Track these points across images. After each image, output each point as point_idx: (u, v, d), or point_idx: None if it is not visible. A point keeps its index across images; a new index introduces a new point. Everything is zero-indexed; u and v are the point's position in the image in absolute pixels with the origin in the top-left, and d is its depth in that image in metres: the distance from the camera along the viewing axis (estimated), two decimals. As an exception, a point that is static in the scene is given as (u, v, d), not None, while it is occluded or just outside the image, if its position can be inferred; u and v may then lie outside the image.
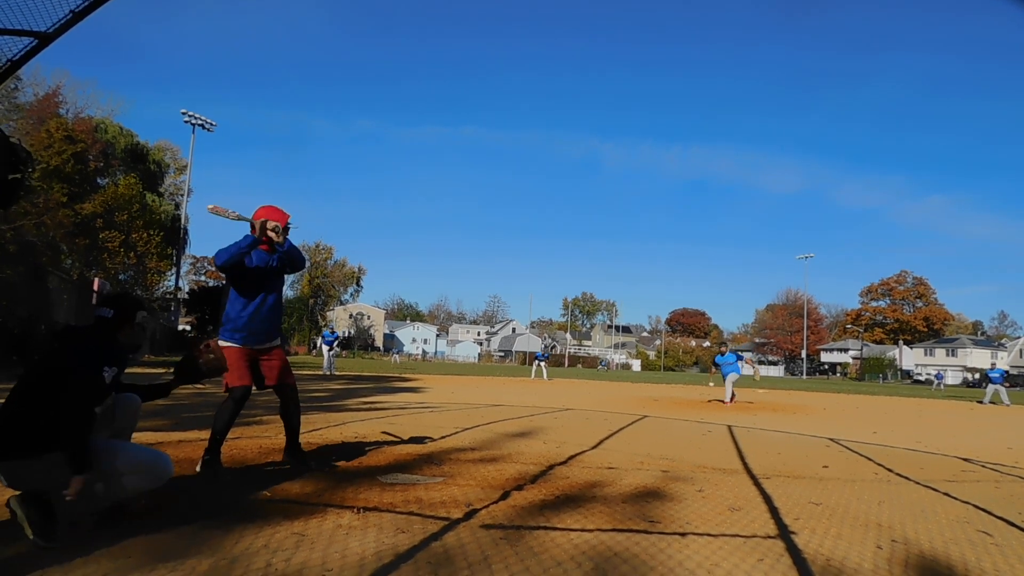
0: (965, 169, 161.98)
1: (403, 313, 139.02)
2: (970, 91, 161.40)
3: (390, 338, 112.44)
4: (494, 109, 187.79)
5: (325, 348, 24.79)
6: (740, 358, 17.00)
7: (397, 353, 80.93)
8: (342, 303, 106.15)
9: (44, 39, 5.16)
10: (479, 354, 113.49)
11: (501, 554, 2.99)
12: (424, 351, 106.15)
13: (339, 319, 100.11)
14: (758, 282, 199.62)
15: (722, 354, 17.28)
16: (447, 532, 3.32)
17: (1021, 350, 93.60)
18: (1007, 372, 29.14)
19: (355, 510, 3.70)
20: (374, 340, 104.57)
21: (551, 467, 5.48)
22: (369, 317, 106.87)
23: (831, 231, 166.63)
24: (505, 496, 4.24)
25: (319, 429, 7.19)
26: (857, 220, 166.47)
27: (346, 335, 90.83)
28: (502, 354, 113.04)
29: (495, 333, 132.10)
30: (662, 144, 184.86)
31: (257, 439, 6.25)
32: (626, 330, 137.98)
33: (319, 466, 4.99)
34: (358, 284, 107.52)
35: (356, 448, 6.01)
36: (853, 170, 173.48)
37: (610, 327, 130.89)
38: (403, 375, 26.79)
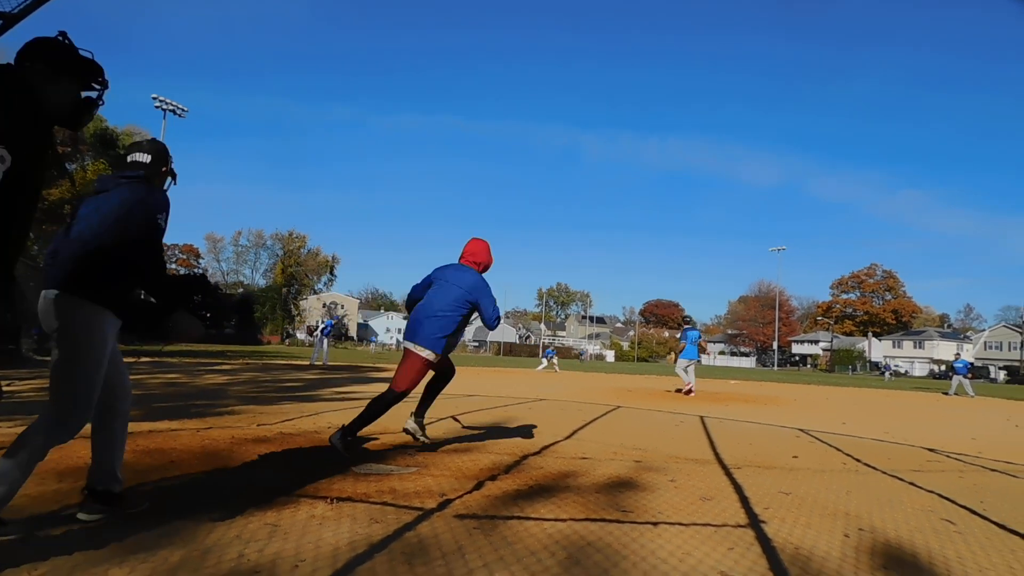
0: (937, 164, 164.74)
1: (377, 303, 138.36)
2: (946, 86, 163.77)
3: (364, 328, 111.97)
4: (472, 98, 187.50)
5: (324, 338, 23.39)
6: (699, 338, 17.05)
7: (374, 342, 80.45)
8: (315, 292, 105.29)
9: (8, 19, 5.02)
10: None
11: (475, 544, 3.00)
12: (398, 341, 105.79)
13: (312, 308, 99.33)
14: (731, 274, 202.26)
15: (686, 327, 17.37)
16: (421, 522, 3.33)
17: (985, 342, 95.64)
18: (971, 364, 29.73)
19: (328, 500, 3.69)
20: (348, 330, 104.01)
21: (525, 457, 5.50)
22: (343, 307, 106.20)
23: (805, 224, 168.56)
24: (479, 486, 4.25)
25: (292, 419, 7.14)
26: (830, 213, 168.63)
27: (340, 322, 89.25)
28: (476, 344, 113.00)
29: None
30: (641, 135, 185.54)
31: (228, 429, 6.20)
32: (600, 321, 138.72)
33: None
34: (332, 273, 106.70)
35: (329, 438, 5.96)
36: (829, 164, 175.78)
37: (584, 318, 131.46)
38: (378, 364, 26.70)
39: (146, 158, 3.31)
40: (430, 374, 5.56)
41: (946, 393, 26.38)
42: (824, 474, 5.58)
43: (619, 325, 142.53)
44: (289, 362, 23.79)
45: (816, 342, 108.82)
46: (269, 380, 14.32)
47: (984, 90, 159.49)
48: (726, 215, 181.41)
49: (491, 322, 5.41)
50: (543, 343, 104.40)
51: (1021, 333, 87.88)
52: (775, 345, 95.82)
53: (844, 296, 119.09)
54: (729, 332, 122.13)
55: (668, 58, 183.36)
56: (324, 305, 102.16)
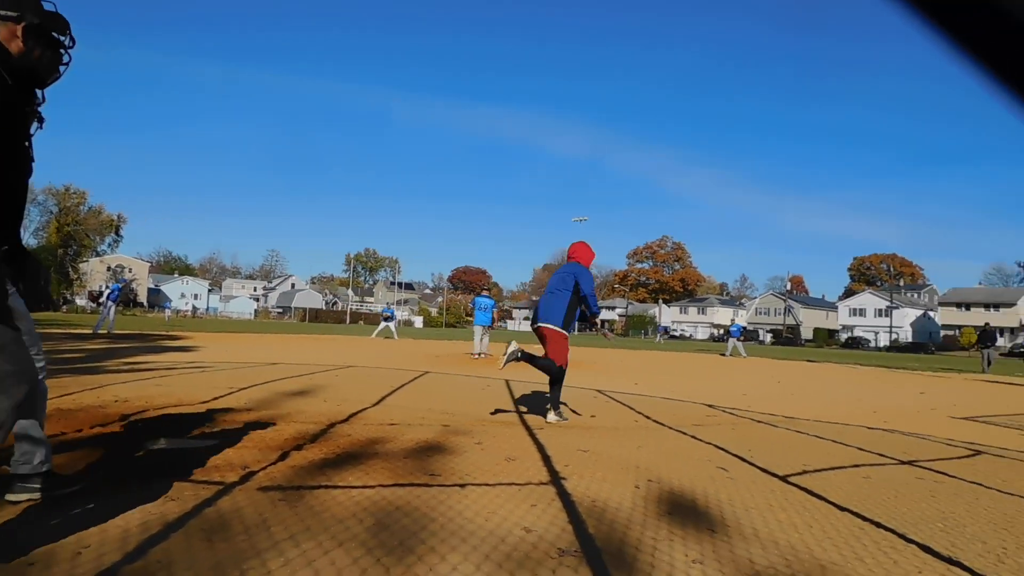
0: (726, 146, 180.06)
1: (171, 266, 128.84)
2: (743, 68, 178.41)
3: (156, 293, 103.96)
4: (279, 53, 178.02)
5: (111, 303, 21.38)
6: (494, 307, 17.74)
7: (168, 309, 74.75)
8: (98, 254, 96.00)
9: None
10: (255, 310, 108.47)
11: (280, 515, 2.92)
12: (195, 307, 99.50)
13: (95, 272, 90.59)
14: (537, 242, 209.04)
15: (483, 295, 17.91)
16: (221, 497, 3.17)
17: (757, 309, 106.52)
18: (744, 328, 33.01)
19: (115, 480, 3.41)
20: (136, 295, 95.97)
21: (332, 425, 5.41)
22: (131, 270, 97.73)
23: (606, 195, 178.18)
24: (284, 457, 4.12)
25: (72, 393, 6.48)
26: (630, 186, 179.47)
27: (128, 287, 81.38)
28: (280, 310, 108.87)
29: (273, 288, 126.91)
30: (453, 103, 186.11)
31: None
32: (409, 287, 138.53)
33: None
34: (117, 234, 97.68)
35: (116, 413, 5.51)
36: (632, 139, 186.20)
37: (393, 284, 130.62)
38: (172, 333, 24.95)
39: None
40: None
41: (723, 355, 29.16)
42: (618, 431, 5.99)
43: (428, 291, 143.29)
44: (68, 331, 21.59)
45: (613, 308, 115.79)
46: (44, 351, 12.90)
47: (763, 87, 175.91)
48: (533, 184, 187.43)
49: (592, 303, 6.65)
50: (350, 309, 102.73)
51: (784, 300, 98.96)
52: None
53: (639, 265, 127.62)
54: (534, 299, 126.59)
55: (480, 26, 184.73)
56: (109, 268, 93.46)
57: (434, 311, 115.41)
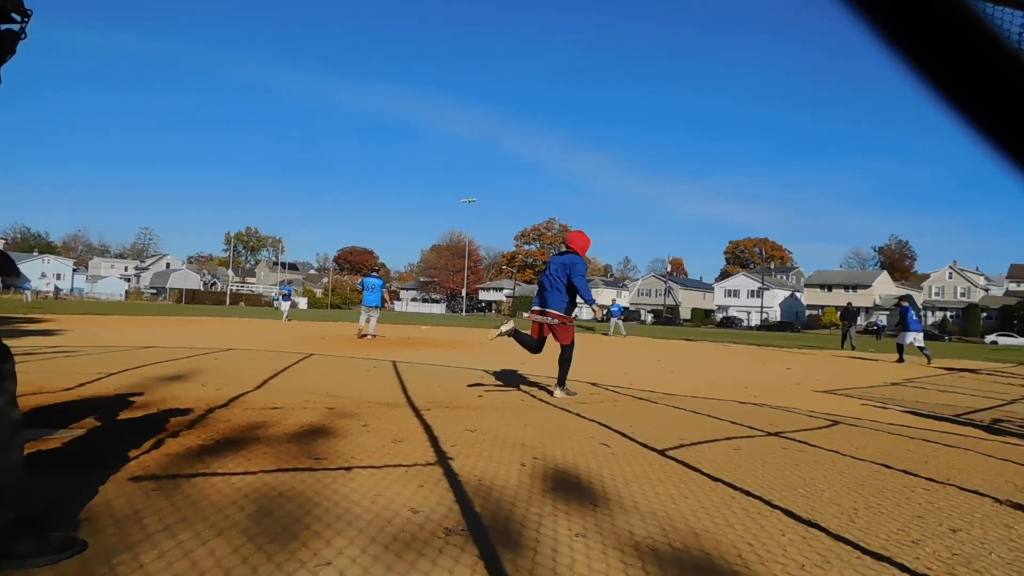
0: (613, 131, 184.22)
1: (30, 244, 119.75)
2: (628, 58, 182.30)
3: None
4: (156, 19, 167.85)
5: None
6: (384, 286, 17.72)
7: (28, 289, 69.41)
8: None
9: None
10: (127, 291, 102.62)
11: (154, 506, 2.79)
12: (57, 288, 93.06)
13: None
14: (425, 223, 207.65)
15: (372, 276, 17.83)
16: (88, 489, 3.01)
17: (639, 290, 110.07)
18: (625, 308, 34.14)
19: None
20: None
21: (211, 410, 5.21)
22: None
23: (495, 177, 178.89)
24: (158, 445, 3.94)
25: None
26: (519, 169, 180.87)
27: None
28: (154, 291, 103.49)
29: (146, 268, 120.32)
30: (341, 79, 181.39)
31: None
32: (292, 267, 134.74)
33: None
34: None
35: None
36: (521, 122, 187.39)
37: (276, 264, 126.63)
38: (32, 315, 23.24)
39: None
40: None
41: (606, 334, 30.04)
42: (505, 411, 6.07)
43: (312, 272, 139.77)
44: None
45: (501, 289, 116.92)
46: None
47: (644, 78, 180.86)
48: (422, 165, 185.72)
49: (585, 293, 7.20)
50: (231, 290, 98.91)
51: (665, 282, 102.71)
52: (464, 292, 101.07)
53: (526, 247, 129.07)
54: (421, 280, 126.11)
55: (376, 17, 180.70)
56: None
57: (319, 292, 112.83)
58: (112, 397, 5.67)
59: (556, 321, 7.26)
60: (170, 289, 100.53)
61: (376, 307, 17.44)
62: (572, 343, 7.38)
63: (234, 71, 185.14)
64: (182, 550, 2.34)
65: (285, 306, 30.60)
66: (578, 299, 7.37)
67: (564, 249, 7.58)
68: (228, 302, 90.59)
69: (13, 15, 2.32)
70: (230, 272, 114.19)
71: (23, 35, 2.38)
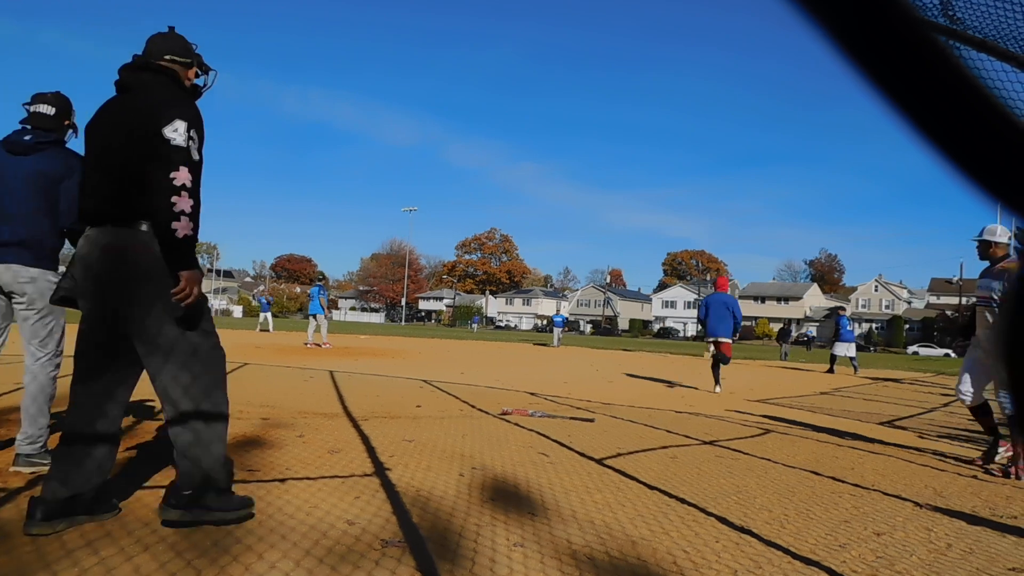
0: (552, 141, 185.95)
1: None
2: (574, 68, 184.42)
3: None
4: (78, 18, 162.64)
5: None
6: (323, 292, 17.77)
7: None
8: None
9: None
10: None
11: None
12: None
13: None
14: (365, 231, 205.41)
15: (317, 285, 17.84)
16: (4, 505, 2.87)
17: (579, 300, 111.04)
18: (567, 318, 34.46)
19: None
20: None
21: (137, 421, 5.04)
22: None
23: (436, 186, 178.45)
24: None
25: None
26: (460, 178, 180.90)
27: None
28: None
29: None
30: (280, 82, 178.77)
31: None
32: (228, 275, 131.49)
33: None
34: None
35: None
36: (462, 131, 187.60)
37: (210, 271, 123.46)
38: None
39: (50, 110, 3.59)
40: None
41: (552, 345, 30.19)
42: (444, 420, 6.03)
43: (248, 279, 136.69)
44: None
45: (441, 299, 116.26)
46: None
47: (581, 88, 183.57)
48: (363, 172, 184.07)
49: (740, 318, 10.77)
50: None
51: (604, 293, 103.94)
52: (404, 301, 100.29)
53: (467, 256, 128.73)
54: (361, 288, 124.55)
55: (320, 24, 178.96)
56: None
57: (255, 301, 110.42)
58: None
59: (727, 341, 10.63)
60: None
61: (316, 315, 17.61)
62: (731, 356, 10.88)
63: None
64: (104, 567, 2.25)
65: (265, 316, 29.60)
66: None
67: (713, 291, 11.28)
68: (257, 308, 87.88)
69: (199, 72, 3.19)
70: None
71: (208, 88, 3.25)
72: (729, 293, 11.11)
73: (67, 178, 3.46)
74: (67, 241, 3.53)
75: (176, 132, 2.65)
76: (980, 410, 5.44)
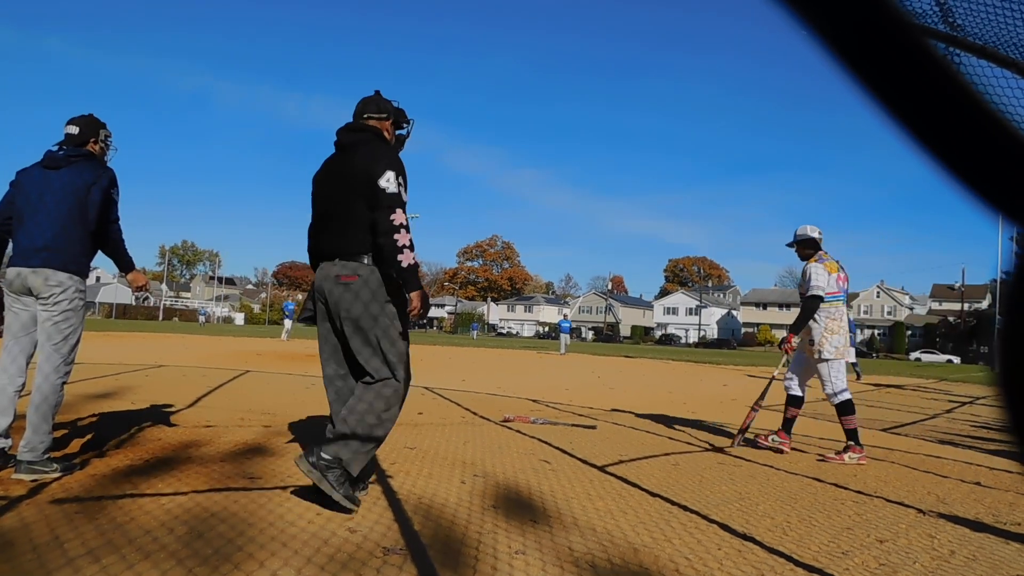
0: (553, 147, 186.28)
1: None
2: (573, 75, 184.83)
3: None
4: (86, 29, 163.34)
5: None
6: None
7: None
8: None
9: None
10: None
11: (77, 530, 2.67)
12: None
13: None
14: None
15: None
16: (5, 513, 2.86)
17: (580, 307, 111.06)
18: (572, 324, 34.45)
19: None
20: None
21: (140, 429, 5.03)
22: None
23: (438, 193, 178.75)
24: (83, 465, 3.78)
25: None
26: (461, 185, 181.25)
27: None
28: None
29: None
30: (281, 90, 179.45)
31: None
32: (230, 282, 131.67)
33: None
34: None
35: None
36: (464, 138, 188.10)
37: (212, 278, 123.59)
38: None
39: (75, 130, 3.84)
40: None
41: (558, 352, 30.15)
42: (445, 427, 6.02)
43: (250, 287, 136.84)
44: None
45: (443, 306, 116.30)
46: None
47: (583, 95, 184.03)
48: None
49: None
50: (164, 305, 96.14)
51: (605, 299, 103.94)
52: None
53: (469, 264, 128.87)
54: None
55: (322, 31, 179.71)
56: None
57: (256, 308, 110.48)
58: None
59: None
60: (100, 304, 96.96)
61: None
62: None
63: (171, 81, 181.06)
64: (106, 575, 2.25)
65: (288, 324, 29.01)
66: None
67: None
68: (161, 317, 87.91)
69: (403, 123, 3.71)
70: (164, 287, 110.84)
71: (408, 135, 3.75)
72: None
73: (93, 187, 3.70)
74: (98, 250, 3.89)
75: (388, 182, 3.20)
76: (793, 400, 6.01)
